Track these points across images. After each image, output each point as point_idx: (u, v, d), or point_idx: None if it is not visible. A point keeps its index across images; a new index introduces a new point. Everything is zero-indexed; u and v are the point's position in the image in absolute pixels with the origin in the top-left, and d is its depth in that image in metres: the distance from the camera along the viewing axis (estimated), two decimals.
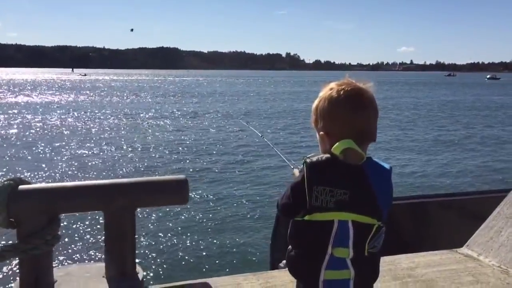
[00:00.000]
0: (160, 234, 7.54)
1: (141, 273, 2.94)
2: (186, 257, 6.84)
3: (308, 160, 1.71)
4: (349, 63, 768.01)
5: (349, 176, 1.70)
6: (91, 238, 7.38)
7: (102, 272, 2.90)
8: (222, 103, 44.18)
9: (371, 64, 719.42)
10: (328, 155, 1.71)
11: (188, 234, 7.74)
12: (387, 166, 1.78)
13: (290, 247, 1.83)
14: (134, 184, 2.88)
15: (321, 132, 1.79)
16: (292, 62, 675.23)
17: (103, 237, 2.88)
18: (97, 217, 7.67)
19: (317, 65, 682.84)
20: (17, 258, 2.70)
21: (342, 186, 1.67)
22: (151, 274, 6.03)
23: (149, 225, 7.74)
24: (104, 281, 2.83)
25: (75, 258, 5.95)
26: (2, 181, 2.63)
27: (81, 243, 7.22)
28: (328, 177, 1.68)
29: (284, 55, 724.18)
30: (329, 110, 1.77)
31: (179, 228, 7.90)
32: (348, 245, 1.71)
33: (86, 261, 3.10)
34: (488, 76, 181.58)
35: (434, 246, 3.94)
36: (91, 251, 6.76)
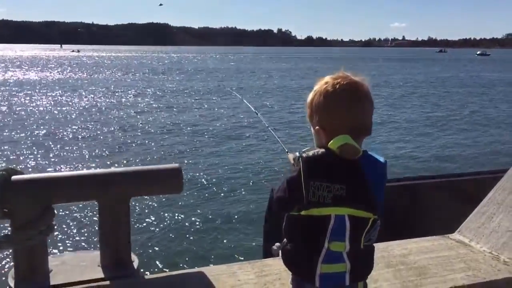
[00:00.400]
0: (155, 222, 7.50)
1: (136, 261, 2.96)
2: (181, 246, 6.84)
3: (304, 155, 1.70)
4: (341, 39, 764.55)
5: (346, 171, 1.71)
6: (86, 227, 7.34)
7: (97, 260, 2.91)
8: (214, 80, 43.72)
9: (363, 40, 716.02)
10: (324, 150, 1.71)
11: (183, 221, 7.72)
12: (382, 159, 1.78)
13: (285, 240, 1.85)
14: (128, 173, 2.87)
15: (317, 127, 1.78)
16: (284, 38, 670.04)
17: (98, 226, 2.89)
18: (92, 205, 7.64)
19: (309, 41, 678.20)
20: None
21: (339, 181, 1.68)
22: (146, 263, 6.04)
23: (144, 213, 7.70)
24: (99, 270, 2.84)
25: (70, 247, 5.92)
26: None
27: (75, 232, 7.18)
28: (325, 172, 1.69)
29: (275, 31, 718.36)
30: (324, 104, 1.76)
31: (174, 216, 7.86)
32: (344, 239, 1.73)
33: (81, 250, 3.08)
34: (478, 52, 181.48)
35: (427, 229, 3.97)
36: (85, 240, 6.75)
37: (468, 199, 5.02)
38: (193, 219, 7.79)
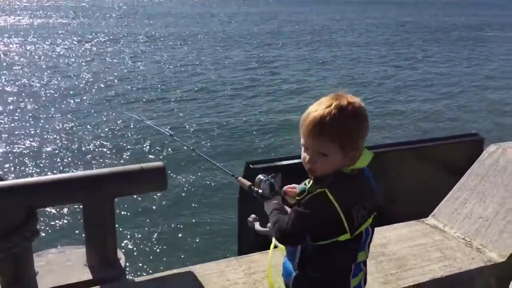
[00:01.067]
0: (140, 221, 7.25)
1: (123, 259, 2.97)
2: (168, 243, 6.71)
3: (331, 188, 1.66)
4: None
5: (363, 184, 1.78)
6: (71, 222, 7.06)
7: (83, 259, 2.91)
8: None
9: None
10: (342, 175, 1.72)
11: (169, 218, 7.42)
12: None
13: (309, 273, 1.82)
14: (112, 174, 2.83)
15: (333, 154, 1.72)
16: None
17: (83, 227, 2.87)
18: (76, 205, 7.22)
19: None
20: None
21: (365, 197, 1.75)
22: (133, 262, 6.00)
23: (129, 211, 7.43)
24: (86, 270, 2.84)
25: (55, 243, 5.67)
26: None
27: (59, 228, 6.92)
28: (358, 194, 1.73)
29: None
30: (345, 126, 1.71)
31: (160, 213, 7.56)
32: (365, 247, 1.81)
33: (66, 245, 3.05)
34: None
35: (402, 204, 4.10)
36: (70, 235, 6.52)
37: (436, 164, 5.11)
38: (179, 215, 7.54)
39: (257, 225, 4.79)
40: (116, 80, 18.00)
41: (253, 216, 4.82)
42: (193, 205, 7.91)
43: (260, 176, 2.15)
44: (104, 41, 28.80)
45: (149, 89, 16.66)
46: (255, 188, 2.15)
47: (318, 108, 1.73)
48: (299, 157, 4.99)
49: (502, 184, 3.18)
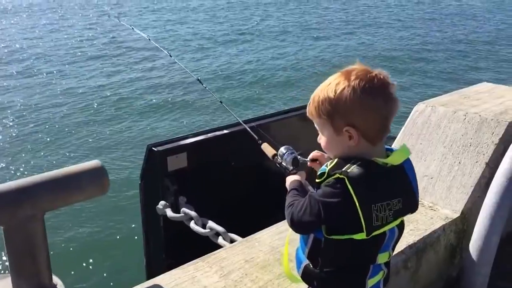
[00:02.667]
0: (73, 235, 5.96)
1: (61, 285, 2.42)
2: (114, 258, 5.64)
3: (351, 176, 1.45)
4: None
5: (397, 181, 1.56)
6: None
7: None
8: None
9: None
10: (366, 161, 1.49)
11: (109, 227, 6.26)
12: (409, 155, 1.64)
13: (319, 267, 1.62)
14: (39, 184, 2.22)
15: (346, 128, 1.52)
16: None
17: (6, 256, 2.24)
18: None
19: None
20: None
21: (395, 195, 1.53)
22: (73, 285, 5.03)
23: (58, 226, 6.00)
24: None
25: None
26: None
27: None
28: (383, 190, 1.50)
29: None
30: (359, 101, 1.50)
31: (97, 223, 6.31)
32: (389, 249, 1.64)
33: None
34: None
35: None
36: None
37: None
38: (120, 223, 6.36)
39: (169, 212, 4.41)
40: None
41: (162, 202, 4.43)
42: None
43: (283, 149, 1.93)
44: None
45: None
46: (278, 160, 1.95)
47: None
48: (205, 132, 4.65)
49: (439, 141, 3.25)
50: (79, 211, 6.46)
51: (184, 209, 4.01)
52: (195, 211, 3.88)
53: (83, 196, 2.36)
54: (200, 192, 4.06)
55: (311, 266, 1.64)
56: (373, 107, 1.51)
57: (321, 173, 1.55)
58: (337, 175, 1.47)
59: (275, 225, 2.88)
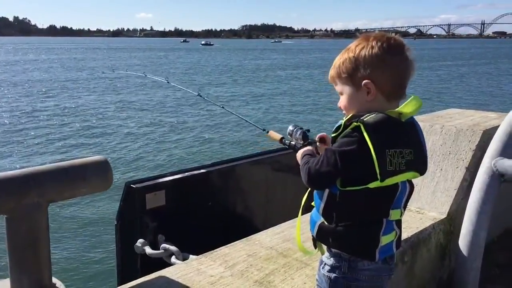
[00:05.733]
0: (72, 231, 5.68)
1: (61, 286, 2.33)
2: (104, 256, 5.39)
3: (366, 123, 1.54)
4: (88, 29, 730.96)
5: (410, 133, 1.66)
6: None
7: None
8: None
9: (111, 30, 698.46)
10: (383, 114, 1.58)
11: (106, 227, 5.99)
12: None
13: (334, 222, 1.65)
14: (46, 173, 2.22)
15: (365, 81, 1.63)
16: (22, 27, 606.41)
17: (7, 248, 2.17)
18: None
19: (53, 31, 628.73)
20: None
21: (407, 145, 1.61)
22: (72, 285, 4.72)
23: (58, 221, 5.73)
24: None
25: None
26: None
27: None
28: (396, 137, 1.59)
29: (11, 19, 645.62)
30: (380, 58, 1.63)
31: (91, 220, 6.08)
32: (400, 206, 1.69)
33: None
34: (202, 42, 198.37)
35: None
36: None
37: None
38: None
39: (148, 249, 4.34)
40: None
41: (141, 240, 4.36)
42: None
43: (291, 127, 1.99)
44: None
45: None
46: (287, 141, 2.03)
47: None
48: (183, 171, 4.73)
49: None
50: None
51: (164, 245, 3.95)
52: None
53: (88, 188, 2.34)
54: (178, 230, 4.05)
55: (326, 223, 1.68)
56: (390, 63, 1.63)
57: (337, 127, 1.64)
58: (354, 123, 1.56)
59: (270, 228, 2.92)
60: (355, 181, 1.59)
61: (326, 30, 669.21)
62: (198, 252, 3.77)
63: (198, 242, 4.03)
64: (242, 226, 4.35)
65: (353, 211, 1.63)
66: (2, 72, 40.39)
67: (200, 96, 3.52)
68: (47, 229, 2.24)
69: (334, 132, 1.65)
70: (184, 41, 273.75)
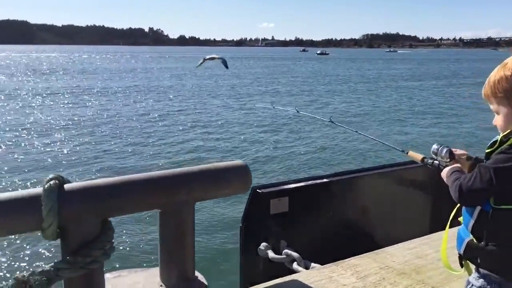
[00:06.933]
0: (202, 230, 6.36)
1: (202, 278, 2.53)
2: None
3: None
4: (214, 39, 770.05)
5: None
6: (138, 242, 6.03)
7: (157, 279, 2.43)
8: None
9: (235, 39, 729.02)
10: None
11: (232, 229, 6.61)
12: None
13: (484, 241, 1.60)
14: (194, 174, 2.42)
15: (495, 108, 1.65)
16: (156, 38, 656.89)
17: (159, 240, 2.40)
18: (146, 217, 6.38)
19: (182, 41, 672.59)
20: None
21: None
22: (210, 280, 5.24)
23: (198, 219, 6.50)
24: None
25: (122, 265, 4.75)
26: (47, 180, 2.03)
27: (127, 247, 5.90)
28: None
29: (147, 30, 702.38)
30: (504, 82, 1.60)
31: (222, 222, 6.70)
32: None
33: (135, 267, 2.53)
34: (318, 52, 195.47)
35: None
36: (138, 257, 5.58)
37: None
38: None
39: (271, 253, 4.40)
40: None
41: (264, 244, 4.44)
42: None
43: (435, 146, 1.97)
44: None
45: None
46: (430, 160, 2.01)
47: None
48: (306, 179, 4.76)
49: None
50: None
51: (286, 251, 4.04)
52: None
53: (230, 190, 2.51)
54: (300, 237, 4.12)
55: (475, 241, 1.63)
56: None
57: (492, 142, 1.60)
58: (511, 140, 1.52)
59: (401, 243, 2.87)
60: (510, 199, 1.54)
61: (454, 39, 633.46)
62: (317, 260, 3.85)
63: (318, 251, 4.08)
64: (364, 239, 4.30)
65: (506, 231, 1.57)
66: (141, 78, 44.35)
67: (332, 122, 3.61)
68: (193, 226, 2.44)
69: (489, 148, 1.62)
70: (304, 50, 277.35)
